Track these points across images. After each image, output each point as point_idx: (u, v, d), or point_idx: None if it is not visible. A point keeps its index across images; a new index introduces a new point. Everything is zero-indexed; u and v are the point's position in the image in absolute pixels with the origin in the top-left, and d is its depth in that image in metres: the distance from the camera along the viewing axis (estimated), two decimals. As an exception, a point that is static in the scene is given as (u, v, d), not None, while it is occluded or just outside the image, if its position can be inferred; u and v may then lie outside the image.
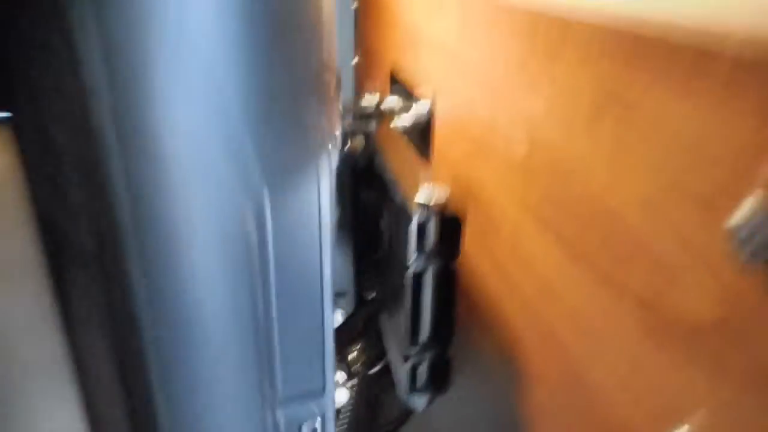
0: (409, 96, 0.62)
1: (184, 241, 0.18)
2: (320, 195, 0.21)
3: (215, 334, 0.19)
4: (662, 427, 0.25)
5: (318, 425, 0.28)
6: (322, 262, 0.23)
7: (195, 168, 0.17)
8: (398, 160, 0.50)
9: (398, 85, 0.67)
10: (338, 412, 0.68)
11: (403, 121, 0.57)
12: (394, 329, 0.49)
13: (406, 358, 0.44)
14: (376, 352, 0.68)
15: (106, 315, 0.20)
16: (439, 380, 0.45)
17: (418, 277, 0.41)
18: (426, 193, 0.39)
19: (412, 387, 0.45)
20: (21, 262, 0.21)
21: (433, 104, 0.54)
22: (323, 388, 0.27)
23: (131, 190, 0.18)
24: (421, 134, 0.56)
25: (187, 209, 0.17)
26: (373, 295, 0.69)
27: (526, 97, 0.36)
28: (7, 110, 0.22)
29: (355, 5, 0.77)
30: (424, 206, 0.40)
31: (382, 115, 0.64)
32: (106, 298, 0.20)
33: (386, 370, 0.70)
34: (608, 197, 0.28)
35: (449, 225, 0.40)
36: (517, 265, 0.39)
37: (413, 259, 0.41)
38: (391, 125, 0.58)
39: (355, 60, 0.80)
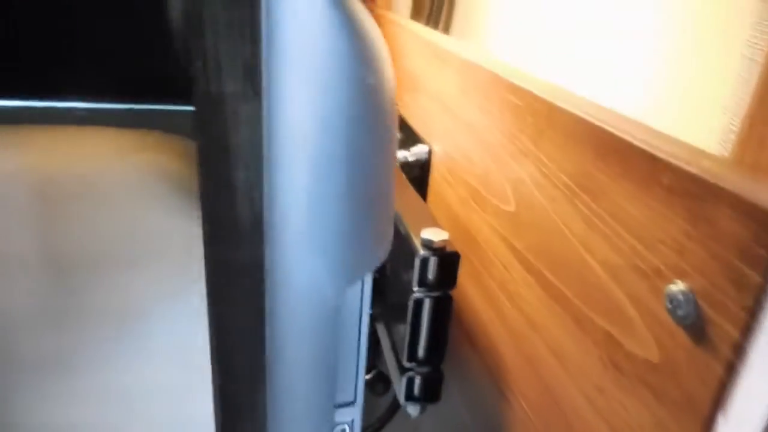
0: (407, 129, 0.69)
1: (284, 305, 0.25)
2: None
3: (297, 362, 0.27)
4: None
5: (347, 427, 0.36)
6: (361, 322, 0.32)
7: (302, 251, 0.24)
8: (397, 193, 0.57)
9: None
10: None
11: (403, 156, 0.64)
12: (391, 343, 0.55)
13: (403, 371, 0.51)
14: (372, 360, 0.74)
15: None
16: (431, 392, 0.52)
17: (418, 303, 0.48)
18: (430, 233, 0.46)
19: (408, 396, 0.52)
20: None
21: (431, 149, 0.61)
22: (354, 400, 0.35)
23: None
24: (420, 173, 0.63)
25: (287, 291, 0.24)
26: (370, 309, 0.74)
27: (518, 164, 0.43)
28: (188, 104, 0.25)
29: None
30: (429, 243, 0.46)
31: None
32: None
33: (379, 377, 0.77)
34: (584, 253, 0.35)
35: (448, 260, 0.47)
36: (505, 298, 0.46)
37: (416, 289, 0.47)
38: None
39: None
